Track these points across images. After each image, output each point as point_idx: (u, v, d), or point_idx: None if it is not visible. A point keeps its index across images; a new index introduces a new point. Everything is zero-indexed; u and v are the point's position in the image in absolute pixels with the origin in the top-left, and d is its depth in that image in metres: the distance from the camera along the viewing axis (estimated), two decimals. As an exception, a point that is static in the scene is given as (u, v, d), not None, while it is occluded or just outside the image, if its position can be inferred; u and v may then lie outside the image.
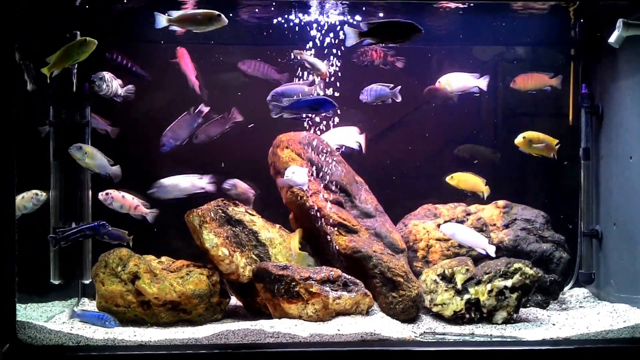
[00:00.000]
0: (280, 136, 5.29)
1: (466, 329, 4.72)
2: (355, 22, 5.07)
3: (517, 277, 4.85)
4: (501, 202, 5.68)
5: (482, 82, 5.47)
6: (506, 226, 5.55)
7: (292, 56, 5.07)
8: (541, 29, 5.63)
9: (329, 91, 5.10)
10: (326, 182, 5.14)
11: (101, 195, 5.12)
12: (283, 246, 5.11)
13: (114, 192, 5.10)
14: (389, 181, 5.96)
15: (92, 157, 5.02)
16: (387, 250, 5.05)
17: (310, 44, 5.18)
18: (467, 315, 4.85)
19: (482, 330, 4.66)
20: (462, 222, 5.41)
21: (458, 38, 5.85)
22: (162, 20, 4.56)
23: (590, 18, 5.44)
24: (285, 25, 5.26)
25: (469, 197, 5.65)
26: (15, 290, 4.23)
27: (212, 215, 4.93)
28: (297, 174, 4.89)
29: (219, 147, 5.46)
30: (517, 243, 5.44)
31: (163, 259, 5.01)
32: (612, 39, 4.71)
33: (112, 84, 5.07)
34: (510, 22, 5.51)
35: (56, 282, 5.24)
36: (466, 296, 4.86)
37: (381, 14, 5.11)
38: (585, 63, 5.75)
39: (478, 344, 4.40)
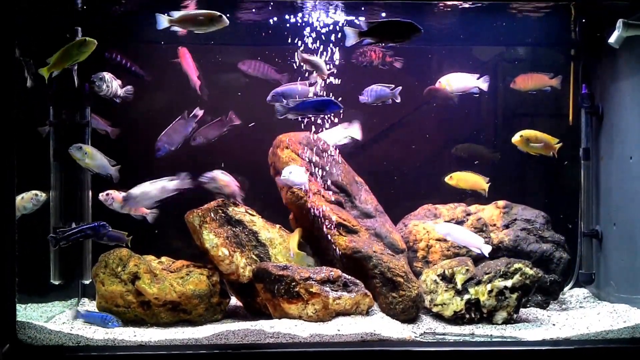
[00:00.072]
0: (280, 136, 5.29)
1: (466, 329, 4.72)
2: (356, 22, 5.07)
3: (517, 277, 4.85)
4: (501, 203, 5.69)
5: (483, 83, 5.47)
6: (506, 226, 5.55)
7: (298, 57, 5.04)
8: (541, 29, 5.62)
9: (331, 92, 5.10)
10: (326, 182, 5.14)
11: (101, 196, 5.11)
12: (283, 246, 5.11)
13: (114, 193, 5.08)
14: (389, 181, 5.95)
15: (92, 158, 5.01)
16: (387, 251, 5.05)
17: (310, 44, 5.18)
18: (467, 316, 4.85)
19: (482, 331, 4.66)
20: (462, 222, 5.41)
21: (458, 38, 5.84)
22: (163, 21, 4.56)
23: (590, 18, 5.44)
24: (285, 25, 5.26)
25: (470, 196, 5.65)
26: (16, 290, 4.23)
27: (212, 215, 4.93)
28: (294, 174, 4.88)
29: (219, 147, 5.45)
30: (517, 243, 5.44)
31: (163, 259, 5.01)
32: (612, 39, 4.71)
33: (112, 85, 5.06)
34: (510, 22, 5.50)
35: (56, 283, 5.24)
36: (466, 296, 4.86)
37: (384, 14, 5.11)
38: (585, 63, 5.75)
39: (478, 344, 4.40)
